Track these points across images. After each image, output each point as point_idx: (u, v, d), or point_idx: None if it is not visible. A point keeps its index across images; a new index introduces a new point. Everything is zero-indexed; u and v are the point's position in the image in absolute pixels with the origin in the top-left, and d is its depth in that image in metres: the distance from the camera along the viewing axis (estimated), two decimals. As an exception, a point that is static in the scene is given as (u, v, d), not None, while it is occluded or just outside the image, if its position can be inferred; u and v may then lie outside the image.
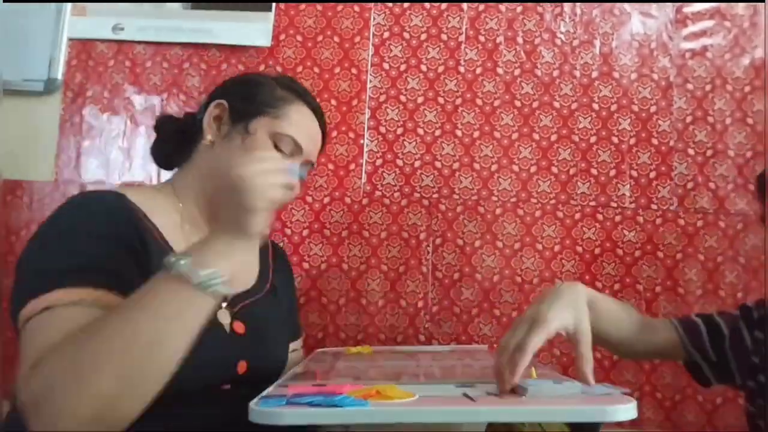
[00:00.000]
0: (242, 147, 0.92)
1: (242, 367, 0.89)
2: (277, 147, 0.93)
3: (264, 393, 0.72)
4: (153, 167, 1.42)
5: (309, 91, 1.03)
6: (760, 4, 1.44)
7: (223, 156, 0.93)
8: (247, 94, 0.95)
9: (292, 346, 1.10)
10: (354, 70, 1.44)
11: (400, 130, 1.43)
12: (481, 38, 1.45)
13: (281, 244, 1.36)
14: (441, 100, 1.43)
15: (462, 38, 1.45)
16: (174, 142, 0.99)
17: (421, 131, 1.42)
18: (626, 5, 1.45)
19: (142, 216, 0.86)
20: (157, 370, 0.66)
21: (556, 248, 1.38)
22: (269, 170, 0.74)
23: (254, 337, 0.92)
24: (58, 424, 0.62)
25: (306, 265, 1.39)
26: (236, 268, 0.73)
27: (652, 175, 1.40)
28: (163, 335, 0.67)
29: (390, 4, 1.46)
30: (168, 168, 1.04)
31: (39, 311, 0.70)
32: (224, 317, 0.90)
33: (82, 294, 0.72)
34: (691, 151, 1.40)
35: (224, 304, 0.90)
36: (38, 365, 0.66)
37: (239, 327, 0.91)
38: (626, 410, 0.61)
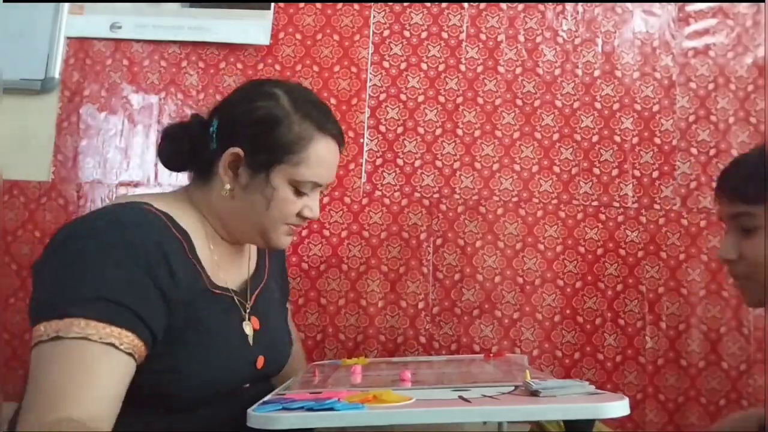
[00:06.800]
0: (264, 200, 0.90)
1: (260, 362, 0.91)
2: (297, 189, 0.91)
3: (263, 399, 0.73)
4: (150, 167, 1.41)
5: (329, 112, 0.95)
6: (761, 3, 1.43)
7: (246, 207, 0.91)
8: (265, 140, 0.89)
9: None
10: (354, 69, 1.43)
11: (400, 129, 1.41)
12: (483, 36, 1.44)
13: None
14: (442, 98, 1.42)
15: (463, 36, 1.44)
16: (186, 149, 0.95)
17: (421, 130, 1.41)
18: (628, 3, 1.44)
19: (172, 227, 0.85)
20: None
21: (558, 249, 1.37)
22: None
23: (266, 330, 0.94)
24: None
25: (305, 266, 1.38)
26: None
27: (655, 174, 1.38)
28: None
29: (390, 2, 1.45)
30: (179, 170, 1.00)
31: (48, 338, 0.70)
32: (243, 315, 0.92)
33: (90, 328, 0.71)
34: (694, 151, 1.39)
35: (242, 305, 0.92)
36: None
37: (255, 322, 0.93)
38: (619, 407, 0.62)
